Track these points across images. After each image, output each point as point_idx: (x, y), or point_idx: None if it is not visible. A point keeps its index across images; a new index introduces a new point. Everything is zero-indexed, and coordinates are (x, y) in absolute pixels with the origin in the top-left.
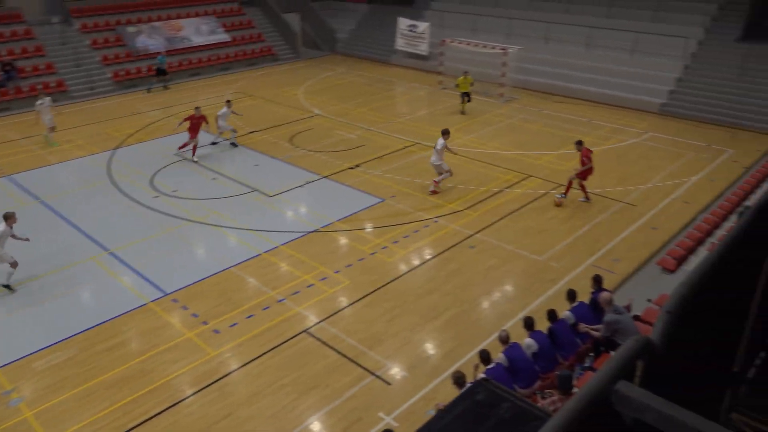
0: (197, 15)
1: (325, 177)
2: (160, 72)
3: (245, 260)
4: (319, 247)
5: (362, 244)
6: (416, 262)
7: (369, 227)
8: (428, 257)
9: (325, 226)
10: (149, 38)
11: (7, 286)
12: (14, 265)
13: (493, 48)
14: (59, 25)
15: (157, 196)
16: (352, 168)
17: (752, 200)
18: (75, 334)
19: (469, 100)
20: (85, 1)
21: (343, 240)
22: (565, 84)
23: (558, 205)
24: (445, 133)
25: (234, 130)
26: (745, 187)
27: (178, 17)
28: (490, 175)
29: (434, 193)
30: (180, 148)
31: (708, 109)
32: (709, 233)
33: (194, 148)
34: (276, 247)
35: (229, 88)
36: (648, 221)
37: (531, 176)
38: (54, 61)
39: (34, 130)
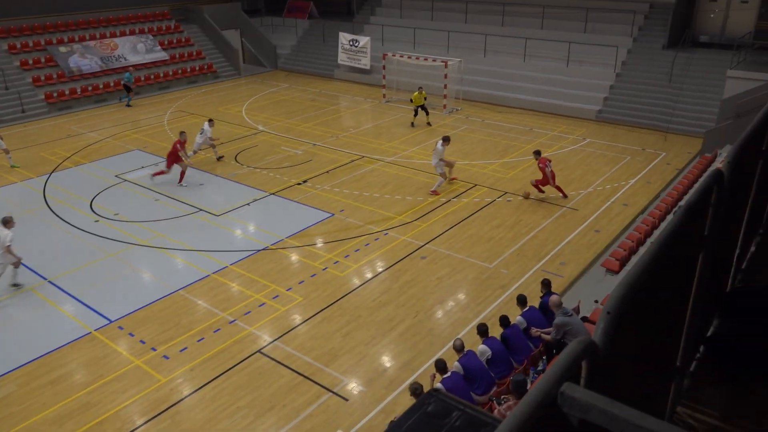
0: (132, 33)
1: (272, 194)
2: (127, 89)
3: (193, 282)
4: (269, 264)
5: (314, 259)
6: (369, 275)
7: (319, 242)
8: (381, 270)
9: (275, 243)
10: (82, 58)
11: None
12: (17, 264)
13: (434, 61)
14: None
15: (97, 221)
16: (299, 184)
17: (685, 200)
18: (12, 370)
19: (427, 113)
20: (12, 21)
21: (294, 256)
22: (505, 94)
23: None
24: (446, 140)
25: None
26: (678, 188)
27: (112, 36)
28: None
29: (434, 193)
30: (154, 174)
31: (641, 114)
32: (648, 234)
33: (182, 174)
34: (225, 267)
35: (170, 107)
36: (591, 224)
37: (477, 185)
38: None
39: None
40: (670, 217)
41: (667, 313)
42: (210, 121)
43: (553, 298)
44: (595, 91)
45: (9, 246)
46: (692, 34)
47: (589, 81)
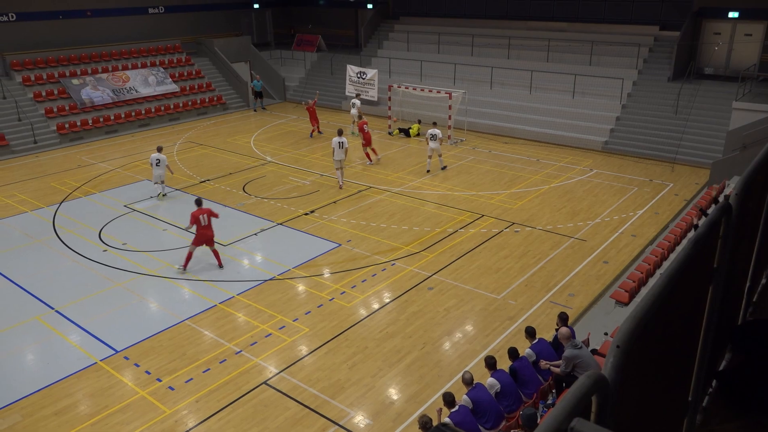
0: (144, 66)
1: (279, 224)
2: (259, 95)
3: (200, 312)
4: (276, 295)
5: (320, 290)
6: (376, 306)
7: (326, 273)
8: (387, 300)
9: (282, 273)
10: (94, 90)
11: None
12: None
13: (438, 92)
14: None
15: (106, 250)
16: (306, 214)
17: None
18: (18, 400)
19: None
20: (27, 55)
21: (300, 287)
22: (511, 125)
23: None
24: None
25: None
26: (687, 219)
27: (124, 68)
28: (444, 216)
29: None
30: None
31: (647, 145)
32: (657, 265)
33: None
34: (231, 298)
35: (179, 138)
36: (599, 255)
37: (484, 215)
38: None
39: None
40: (679, 249)
41: (678, 347)
42: (159, 148)
43: (563, 330)
44: (601, 123)
45: None
46: (697, 66)
47: (595, 113)
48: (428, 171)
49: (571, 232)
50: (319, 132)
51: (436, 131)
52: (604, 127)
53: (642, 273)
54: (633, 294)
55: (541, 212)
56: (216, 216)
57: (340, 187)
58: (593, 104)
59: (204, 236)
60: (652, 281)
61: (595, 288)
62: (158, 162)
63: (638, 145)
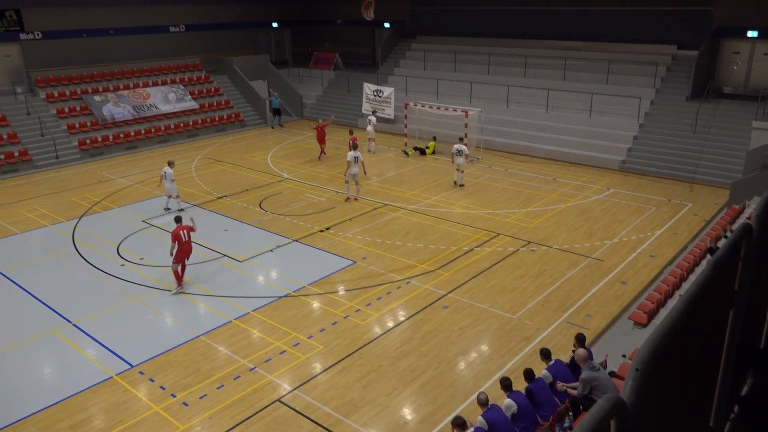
0: (165, 83)
1: (295, 240)
2: (278, 112)
3: (215, 328)
4: (291, 311)
5: (335, 307)
6: (390, 324)
7: (341, 290)
8: (402, 319)
9: (297, 290)
10: (116, 106)
11: None
12: None
13: (454, 110)
14: (24, 95)
15: (123, 265)
16: (322, 231)
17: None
18: (35, 413)
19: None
20: (51, 72)
21: (315, 304)
22: (527, 144)
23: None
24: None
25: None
26: (706, 239)
27: (145, 86)
28: (460, 234)
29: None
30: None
31: (665, 165)
32: (677, 286)
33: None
34: (247, 314)
35: (197, 154)
36: (617, 276)
37: (500, 234)
38: (18, 131)
39: None
40: (699, 270)
41: (699, 371)
42: (170, 163)
43: (579, 351)
44: (619, 142)
45: None
46: (716, 85)
47: (612, 131)
48: (456, 183)
49: (588, 251)
50: (323, 153)
51: (462, 147)
52: (621, 146)
53: (661, 294)
54: (652, 315)
55: (557, 231)
56: (194, 230)
57: (355, 199)
58: (610, 123)
59: (184, 252)
60: (671, 303)
61: (613, 309)
62: (165, 175)
63: (656, 165)
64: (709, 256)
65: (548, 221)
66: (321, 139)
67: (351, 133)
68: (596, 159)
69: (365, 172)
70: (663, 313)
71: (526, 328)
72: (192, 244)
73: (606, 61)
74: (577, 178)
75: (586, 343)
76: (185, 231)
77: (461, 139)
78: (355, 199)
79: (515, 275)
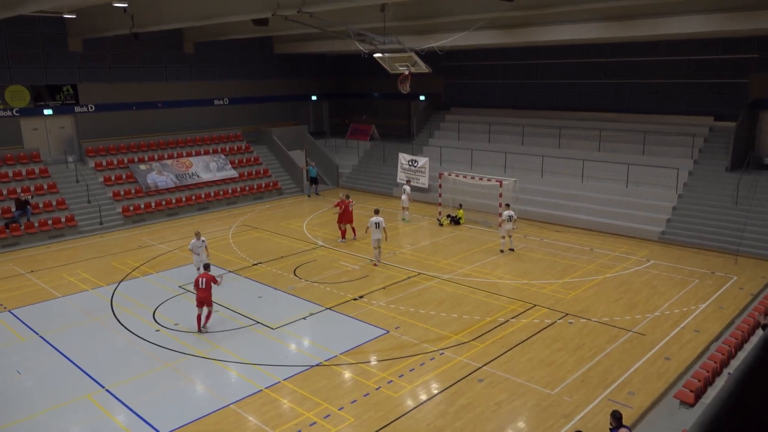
0: (207, 153)
1: (328, 308)
2: (314, 181)
3: (245, 397)
4: (322, 381)
5: (367, 378)
6: (424, 397)
7: (374, 360)
8: (436, 392)
9: (329, 359)
10: (159, 175)
11: None
12: None
13: (489, 180)
14: (74, 164)
15: (158, 330)
16: (355, 299)
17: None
18: None
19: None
20: (101, 142)
21: (347, 374)
22: (562, 214)
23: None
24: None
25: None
26: (754, 314)
27: (188, 155)
28: (495, 304)
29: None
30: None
31: (707, 236)
32: (725, 363)
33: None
34: (278, 383)
35: (235, 221)
36: (660, 351)
37: (536, 305)
38: (66, 198)
39: (41, 265)
40: (748, 347)
41: None
42: (197, 234)
43: (622, 431)
44: (657, 212)
45: None
46: (756, 156)
47: (649, 202)
48: (503, 251)
49: (628, 325)
50: (342, 239)
51: (511, 212)
52: (660, 217)
53: (708, 371)
54: (699, 394)
55: (596, 303)
56: (216, 282)
57: (375, 265)
58: (648, 193)
59: (198, 297)
60: (719, 381)
61: (657, 386)
62: (192, 248)
63: (697, 236)
64: (760, 331)
65: (586, 293)
66: (347, 218)
67: (347, 197)
68: (634, 230)
69: (386, 238)
70: (711, 393)
71: (565, 405)
72: (210, 295)
73: (642, 132)
74: (614, 249)
75: (630, 423)
76: (203, 279)
77: (508, 205)
78: (375, 264)
79: (553, 348)
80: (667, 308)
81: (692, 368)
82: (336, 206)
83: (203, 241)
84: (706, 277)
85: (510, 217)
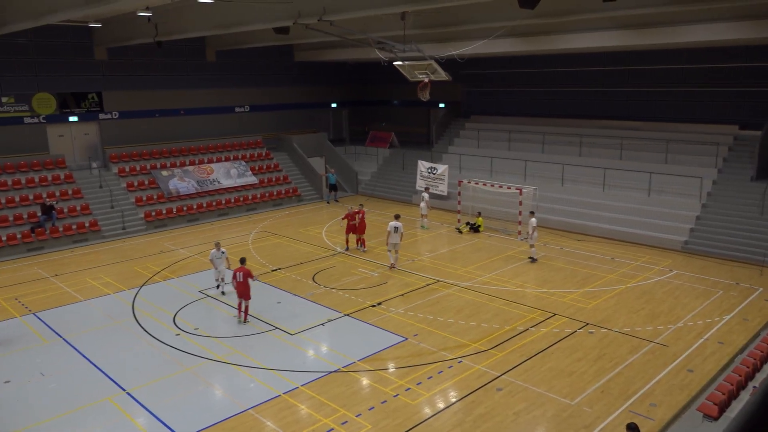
0: (228, 159)
1: (347, 315)
2: (334, 188)
3: (264, 402)
4: (340, 388)
5: (385, 385)
6: (441, 405)
7: (391, 367)
8: (454, 400)
9: (347, 365)
10: (181, 181)
11: None
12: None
13: (508, 188)
14: (98, 170)
15: (178, 334)
16: (373, 306)
17: None
18: None
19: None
20: (124, 148)
21: (364, 380)
22: (583, 222)
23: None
24: (397, 217)
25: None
26: None
27: (209, 162)
28: (514, 313)
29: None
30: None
31: (732, 246)
32: (750, 377)
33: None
34: (296, 388)
35: (255, 227)
36: (683, 363)
37: (556, 314)
38: (90, 203)
39: (65, 269)
40: None
41: None
42: (216, 244)
43: None
44: (681, 222)
45: None
46: None
47: (672, 211)
48: (535, 259)
49: (650, 335)
50: (346, 249)
51: (533, 220)
52: (683, 227)
53: (732, 385)
54: (723, 407)
55: (617, 313)
56: (252, 277)
57: (391, 267)
58: (671, 203)
59: (238, 290)
60: (744, 395)
61: (680, 399)
62: (212, 259)
63: (722, 246)
64: None
65: (607, 302)
66: (359, 227)
67: (361, 206)
68: (656, 239)
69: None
70: (735, 406)
71: (585, 416)
72: (248, 288)
73: (664, 140)
74: (636, 258)
75: None
76: (241, 273)
77: (532, 213)
78: (392, 267)
79: (573, 358)
80: (690, 319)
81: (716, 381)
82: (344, 218)
83: (223, 252)
84: (731, 288)
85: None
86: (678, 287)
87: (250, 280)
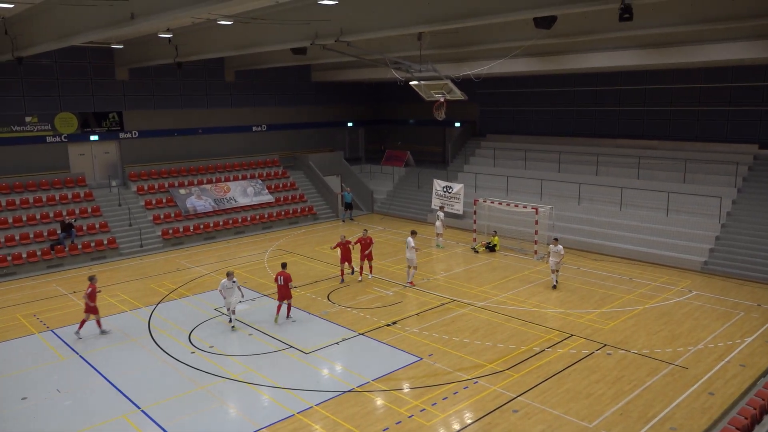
0: (245, 178)
1: (361, 334)
2: (350, 206)
3: (277, 421)
4: (354, 408)
5: (399, 405)
6: (457, 427)
7: (406, 387)
8: (469, 421)
9: (361, 385)
10: (198, 199)
11: None
12: None
13: (524, 207)
14: (117, 188)
15: (193, 352)
16: (388, 325)
17: None
18: None
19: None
20: (143, 167)
21: (379, 401)
22: (600, 242)
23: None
24: (413, 234)
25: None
26: None
27: (227, 180)
28: (530, 333)
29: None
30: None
31: (753, 267)
32: None
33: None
34: (310, 408)
35: (271, 245)
36: (704, 386)
37: (573, 335)
38: (108, 220)
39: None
40: None
41: None
42: (228, 274)
43: None
44: (700, 242)
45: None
46: None
47: (691, 231)
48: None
49: (670, 357)
50: (341, 280)
51: (559, 247)
52: (702, 247)
53: (755, 408)
54: None
55: (635, 334)
56: (290, 281)
57: (408, 284)
58: (689, 222)
59: (279, 293)
60: (767, 419)
61: (701, 423)
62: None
63: (743, 267)
64: None
65: (625, 323)
66: (360, 255)
67: (365, 231)
68: (675, 259)
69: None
70: (759, 430)
71: None
72: (289, 290)
73: (682, 159)
74: (655, 279)
75: None
76: (282, 277)
77: (556, 240)
78: (409, 284)
79: (590, 380)
80: (711, 341)
81: (738, 404)
82: (335, 247)
83: (234, 282)
84: (752, 310)
85: (556, 252)
86: (698, 308)
87: (290, 284)
